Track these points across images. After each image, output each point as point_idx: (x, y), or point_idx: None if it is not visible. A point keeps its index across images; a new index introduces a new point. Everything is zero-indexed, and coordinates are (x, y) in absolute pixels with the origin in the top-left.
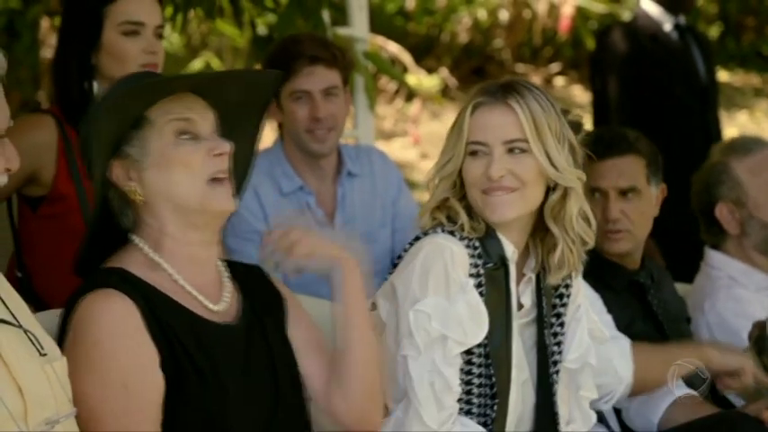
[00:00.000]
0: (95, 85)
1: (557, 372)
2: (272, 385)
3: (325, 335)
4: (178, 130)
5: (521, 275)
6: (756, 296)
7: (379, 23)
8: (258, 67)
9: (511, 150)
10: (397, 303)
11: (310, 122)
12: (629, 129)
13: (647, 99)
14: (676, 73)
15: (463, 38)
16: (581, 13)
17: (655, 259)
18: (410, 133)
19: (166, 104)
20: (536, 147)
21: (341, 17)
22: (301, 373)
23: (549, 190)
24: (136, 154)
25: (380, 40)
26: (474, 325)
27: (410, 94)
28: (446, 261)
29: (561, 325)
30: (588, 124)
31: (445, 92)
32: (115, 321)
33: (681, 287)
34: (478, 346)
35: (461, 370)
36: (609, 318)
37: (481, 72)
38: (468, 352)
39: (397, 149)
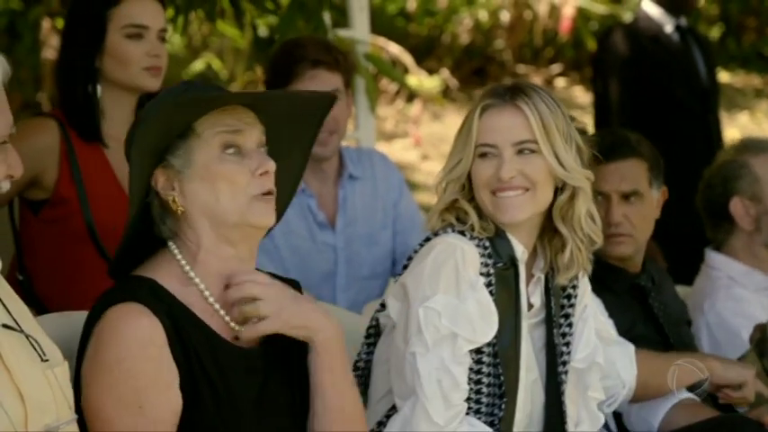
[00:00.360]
0: (99, 89)
1: (565, 372)
2: (287, 412)
3: None
4: (224, 143)
5: (530, 276)
6: (756, 296)
7: (380, 24)
8: (258, 67)
9: (520, 152)
10: (408, 303)
11: None
12: (630, 131)
13: (648, 100)
14: (677, 74)
15: (464, 39)
16: (582, 14)
17: (656, 261)
18: (411, 134)
19: (215, 116)
20: (545, 147)
21: (342, 19)
22: None
23: (557, 191)
24: (179, 165)
25: (381, 41)
26: (484, 324)
27: (411, 95)
28: (457, 260)
29: (570, 325)
30: (589, 126)
31: (446, 93)
32: (139, 341)
33: (681, 290)
34: (488, 345)
35: (471, 369)
36: (610, 322)
37: (482, 73)
38: (478, 351)
39: (398, 150)
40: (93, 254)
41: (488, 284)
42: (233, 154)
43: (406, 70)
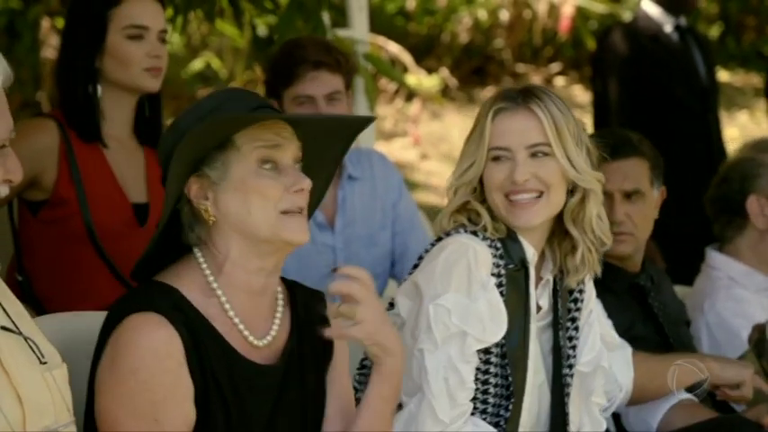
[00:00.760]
0: (99, 89)
1: (571, 375)
2: (299, 430)
3: None
4: (262, 158)
5: (538, 278)
6: (756, 297)
7: (380, 24)
8: (257, 67)
9: (534, 155)
10: (419, 301)
11: None
12: (631, 131)
13: (648, 100)
14: (677, 74)
15: (463, 38)
16: (581, 14)
17: (656, 261)
18: (410, 133)
19: (255, 129)
20: (558, 150)
21: (341, 18)
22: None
23: (569, 193)
24: (215, 176)
25: (381, 41)
26: (493, 324)
27: (410, 95)
28: (470, 260)
29: (576, 329)
30: (588, 125)
31: (445, 92)
32: (156, 353)
33: (680, 290)
34: (497, 345)
35: (479, 369)
36: (609, 323)
37: (481, 72)
38: (487, 351)
39: (398, 150)
40: (92, 254)
41: (499, 285)
42: (270, 169)
43: (405, 69)
